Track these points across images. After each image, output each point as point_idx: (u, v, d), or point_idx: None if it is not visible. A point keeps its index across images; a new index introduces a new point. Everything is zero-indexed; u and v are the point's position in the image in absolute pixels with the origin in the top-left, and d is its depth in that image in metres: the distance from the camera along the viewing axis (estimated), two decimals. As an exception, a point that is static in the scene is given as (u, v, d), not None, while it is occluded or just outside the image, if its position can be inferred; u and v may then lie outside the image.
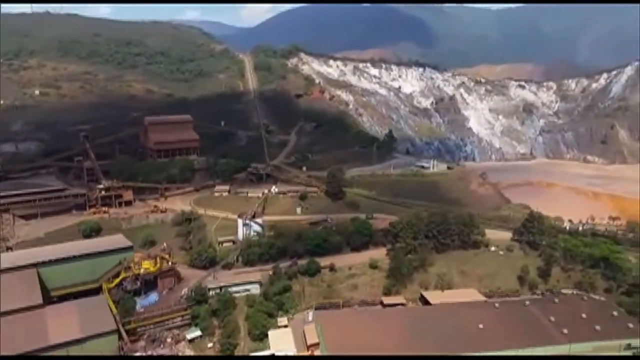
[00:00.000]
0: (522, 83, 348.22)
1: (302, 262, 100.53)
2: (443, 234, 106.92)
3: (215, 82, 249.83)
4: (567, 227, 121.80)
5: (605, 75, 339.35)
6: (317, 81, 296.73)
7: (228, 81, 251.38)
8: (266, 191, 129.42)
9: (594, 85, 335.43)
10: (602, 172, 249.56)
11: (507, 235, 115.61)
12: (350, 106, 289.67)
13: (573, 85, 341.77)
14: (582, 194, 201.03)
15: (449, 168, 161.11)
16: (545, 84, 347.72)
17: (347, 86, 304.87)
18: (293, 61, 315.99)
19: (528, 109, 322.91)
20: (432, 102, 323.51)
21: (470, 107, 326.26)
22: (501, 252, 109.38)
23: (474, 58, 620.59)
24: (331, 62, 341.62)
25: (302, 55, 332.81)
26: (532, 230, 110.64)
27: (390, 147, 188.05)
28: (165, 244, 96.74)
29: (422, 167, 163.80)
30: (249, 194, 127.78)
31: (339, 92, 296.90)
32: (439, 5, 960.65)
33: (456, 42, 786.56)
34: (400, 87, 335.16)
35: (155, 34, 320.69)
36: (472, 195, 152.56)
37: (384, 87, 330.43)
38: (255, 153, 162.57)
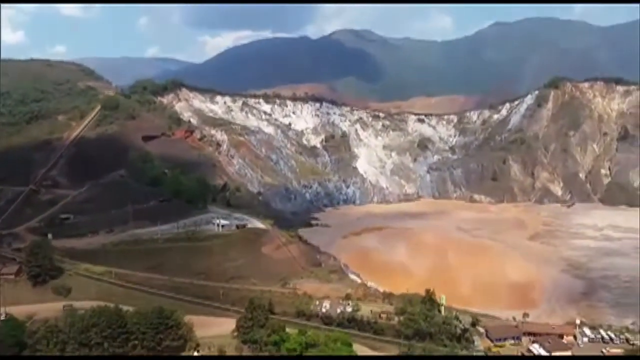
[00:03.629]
0: (422, 117, 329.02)
1: None
2: (115, 341, 77.01)
3: (49, 126, 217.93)
4: (324, 310, 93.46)
5: (507, 105, 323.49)
6: (189, 120, 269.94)
7: (63, 124, 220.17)
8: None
9: (496, 116, 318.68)
10: (481, 214, 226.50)
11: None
12: (224, 147, 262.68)
13: (474, 117, 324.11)
14: (434, 244, 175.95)
15: (237, 227, 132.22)
16: (446, 117, 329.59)
17: (224, 124, 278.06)
18: (168, 98, 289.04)
19: (423, 144, 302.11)
20: (322, 140, 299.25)
21: (364, 144, 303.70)
22: (206, 359, 80.00)
23: (418, 90, 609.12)
24: (218, 98, 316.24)
25: (184, 91, 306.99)
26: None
27: (202, 199, 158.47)
28: None
29: (222, 226, 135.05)
30: None
31: (213, 132, 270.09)
32: (385, 38, 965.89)
33: (401, 75, 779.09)
34: (290, 124, 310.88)
35: (14, 73, 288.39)
36: (262, 261, 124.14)
37: (273, 124, 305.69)
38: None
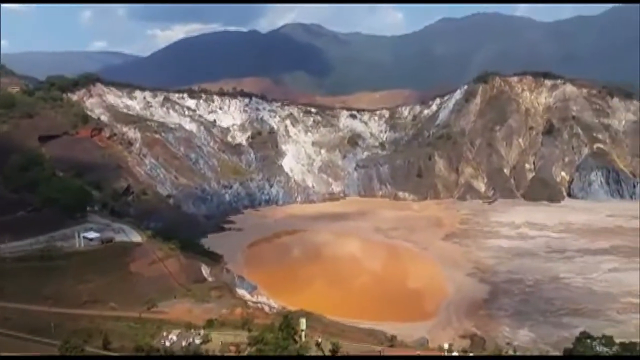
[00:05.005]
0: (354, 112, 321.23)
1: None
2: None
3: None
4: (168, 343, 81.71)
5: (438, 100, 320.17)
6: (98, 117, 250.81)
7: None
8: None
9: (426, 111, 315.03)
10: (402, 213, 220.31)
11: None
12: (136, 145, 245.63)
13: (405, 113, 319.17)
14: (345, 248, 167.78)
15: (103, 242, 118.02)
16: (378, 112, 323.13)
17: (139, 121, 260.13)
18: (79, 94, 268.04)
19: (354, 140, 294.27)
20: (248, 137, 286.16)
21: (292, 140, 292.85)
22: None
23: (367, 85, 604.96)
24: (137, 93, 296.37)
25: (99, 86, 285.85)
26: None
27: (82, 207, 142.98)
28: None
29: (90, 239, 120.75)
30: None
31: (125, 129, 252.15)
32: (335, 32, 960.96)
33: (350, 70, 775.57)
34: (215, 120, 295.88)
35: None
36: (128, 281, 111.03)
37: (196, 120, 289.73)
38: None
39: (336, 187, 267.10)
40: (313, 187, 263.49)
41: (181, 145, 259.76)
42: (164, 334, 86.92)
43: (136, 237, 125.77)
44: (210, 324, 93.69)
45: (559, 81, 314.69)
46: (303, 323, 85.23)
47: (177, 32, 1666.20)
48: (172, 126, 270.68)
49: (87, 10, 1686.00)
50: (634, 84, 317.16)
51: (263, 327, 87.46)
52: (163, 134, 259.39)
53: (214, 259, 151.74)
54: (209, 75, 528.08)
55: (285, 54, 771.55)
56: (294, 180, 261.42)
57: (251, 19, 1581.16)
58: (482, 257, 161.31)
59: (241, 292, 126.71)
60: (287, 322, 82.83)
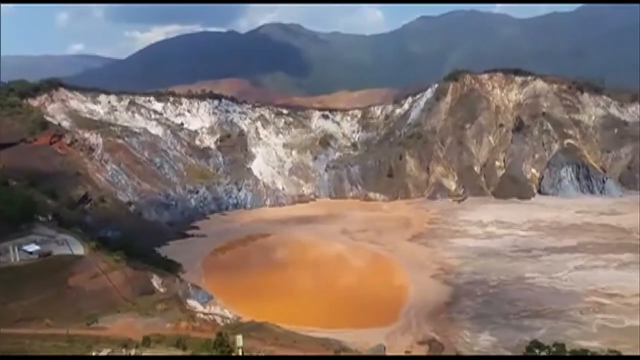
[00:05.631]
0: (326, 113, 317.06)
1: None
2: None
3: None
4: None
5: (410, 99, 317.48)
6: (58, 123, 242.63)
7: None
8: None
9: (398, 110, 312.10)
10: (371, 214, 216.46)
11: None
12: (98, 151, 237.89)
13: (378, 112, 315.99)
14: (310, 253, 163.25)
15: (42, 256, 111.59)
16: (350, 112, 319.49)
17: (101, 126, 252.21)
18: (40, 99, 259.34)
19: (326, 141, 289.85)
20: (217, 140, 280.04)
21: (263, 142, 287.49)
22: None
23: (346, 84, 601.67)
24: (102, 97, 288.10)
25: (62, 90, 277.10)
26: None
27: (27, 217, 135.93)
28: None
29: (29, 253, 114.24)
30: None
31: (87, 135, 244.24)
32: (314, 32, 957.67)
33: (329, 69, 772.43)
34: (182, 124, 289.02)
35: None
36: (67, 296, 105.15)
37: (163, 124, 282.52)
38: None
39: (307, 189, 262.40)
40: (283, 189, 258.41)
41: (145, 150, 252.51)
42: (93, 353, 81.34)
43: (79, 249, 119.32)
44: (146, 341, 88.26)
45: (529, 77, 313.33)
46: (240, 340, 79.82)
47: (156, 33, 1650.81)
48: (137, 130, 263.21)
49: (64, 12, 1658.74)
50: (604, 79, 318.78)
51: (199, 344, 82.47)
52: (126, 138, 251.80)
53: (170, 268, 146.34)
54: (187, 77, 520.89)
55: (264, 55, 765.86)
56: (263, 183, 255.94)
57: (231, 20, 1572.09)
58: (447, 257, 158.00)
59: (193, 303, 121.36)
60: (220, 340, 77.72)
